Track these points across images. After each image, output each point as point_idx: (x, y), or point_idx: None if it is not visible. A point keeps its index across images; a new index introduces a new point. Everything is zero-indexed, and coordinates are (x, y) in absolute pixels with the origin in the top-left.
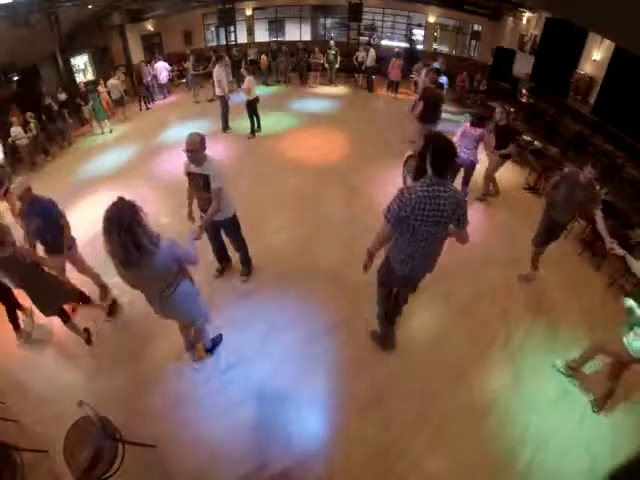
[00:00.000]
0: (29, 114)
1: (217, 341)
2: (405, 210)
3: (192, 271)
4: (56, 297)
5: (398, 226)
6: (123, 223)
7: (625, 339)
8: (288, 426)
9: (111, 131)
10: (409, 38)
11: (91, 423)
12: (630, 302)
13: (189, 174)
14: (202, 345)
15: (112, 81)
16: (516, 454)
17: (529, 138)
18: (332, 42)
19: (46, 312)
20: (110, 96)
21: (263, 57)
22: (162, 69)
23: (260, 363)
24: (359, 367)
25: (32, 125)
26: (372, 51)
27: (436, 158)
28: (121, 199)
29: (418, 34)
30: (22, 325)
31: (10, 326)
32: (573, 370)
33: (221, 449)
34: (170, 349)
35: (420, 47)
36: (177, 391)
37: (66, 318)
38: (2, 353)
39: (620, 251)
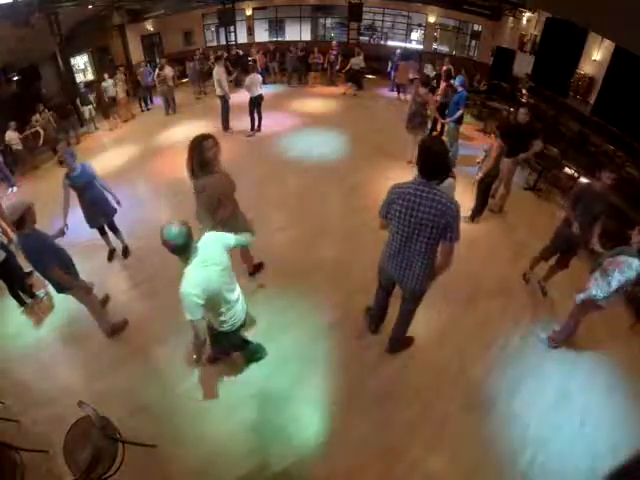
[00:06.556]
0: (37, 115)
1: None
2: (386, 205)
3: None
4: None
5: (386, 220)
6: None
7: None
8: (288, 426)
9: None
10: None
11: (91, 423)
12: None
13: None
14: None
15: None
16: (516, 454)
17: None
18: (334, 43)
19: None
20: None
21: (260, 57)
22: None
23: (260, 363)
24: (360, 367)
25: (41, 120)
26: (361, 56)
27: (421, 158)
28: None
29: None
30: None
31: (10, 325)
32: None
33: (221, 449)
34: (170, 349)
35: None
36: (177, 391)
37: None
38: (2, 353)
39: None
